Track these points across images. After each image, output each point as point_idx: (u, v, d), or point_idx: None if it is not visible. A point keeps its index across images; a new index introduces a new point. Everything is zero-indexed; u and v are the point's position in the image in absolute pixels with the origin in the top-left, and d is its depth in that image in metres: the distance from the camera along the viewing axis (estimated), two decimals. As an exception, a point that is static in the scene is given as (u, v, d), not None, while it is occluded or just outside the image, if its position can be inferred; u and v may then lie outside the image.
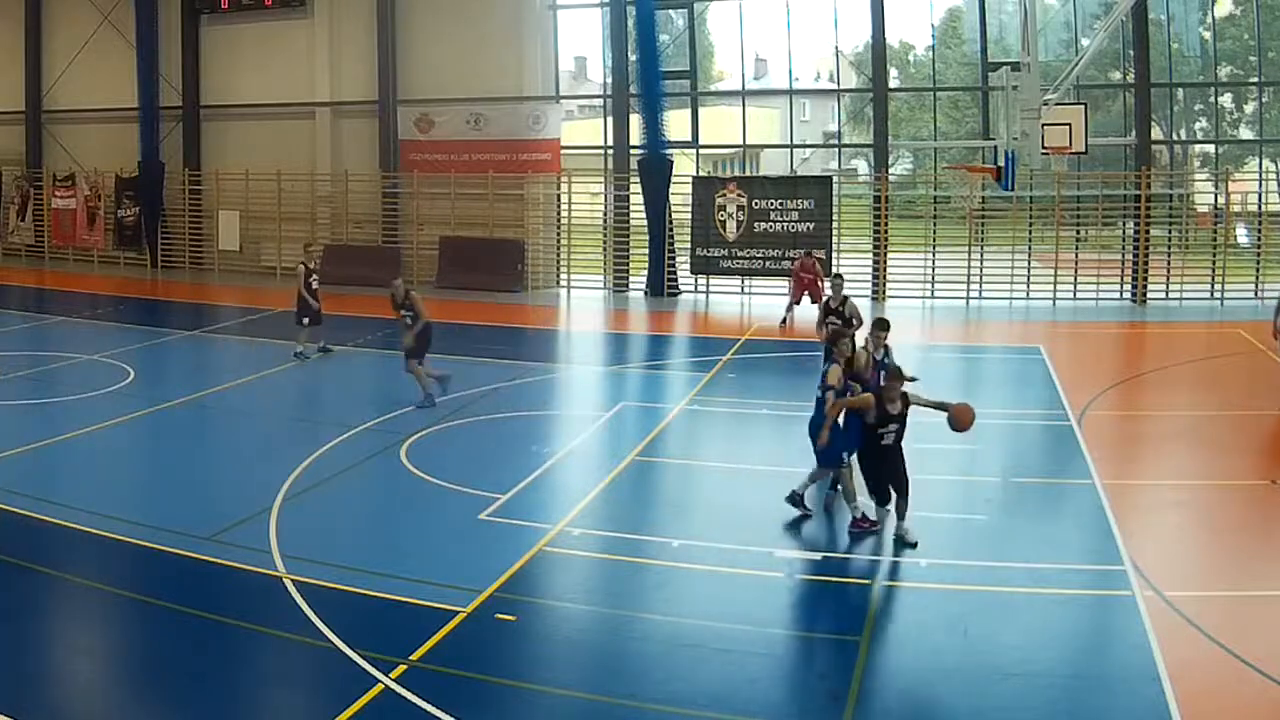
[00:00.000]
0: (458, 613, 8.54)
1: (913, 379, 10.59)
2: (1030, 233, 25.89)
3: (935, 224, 26.14)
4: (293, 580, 9.16)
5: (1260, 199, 25.46)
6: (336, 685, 7.47)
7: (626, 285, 27.02)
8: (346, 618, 8.49)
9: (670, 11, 27.66)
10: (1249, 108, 27.51)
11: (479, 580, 9.11)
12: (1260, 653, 7.70)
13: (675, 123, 26.52)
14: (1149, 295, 24.20)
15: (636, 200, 26.38)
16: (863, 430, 10.05)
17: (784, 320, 21.53)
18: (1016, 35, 24.11)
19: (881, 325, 11.55)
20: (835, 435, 10.22)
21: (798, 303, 21.44)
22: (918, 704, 7.34)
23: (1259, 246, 24.90)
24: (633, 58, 26.30)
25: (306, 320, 18.24)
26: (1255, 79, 26.39)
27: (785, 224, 25.19)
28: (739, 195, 25.55)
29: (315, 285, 18.32)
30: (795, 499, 10.68)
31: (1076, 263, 24.85)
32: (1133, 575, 9.14)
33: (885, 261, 25.39)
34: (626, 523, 10.77)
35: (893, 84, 28.94)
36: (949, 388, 16.45)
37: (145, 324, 22.36)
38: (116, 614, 8.83)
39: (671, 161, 25.92)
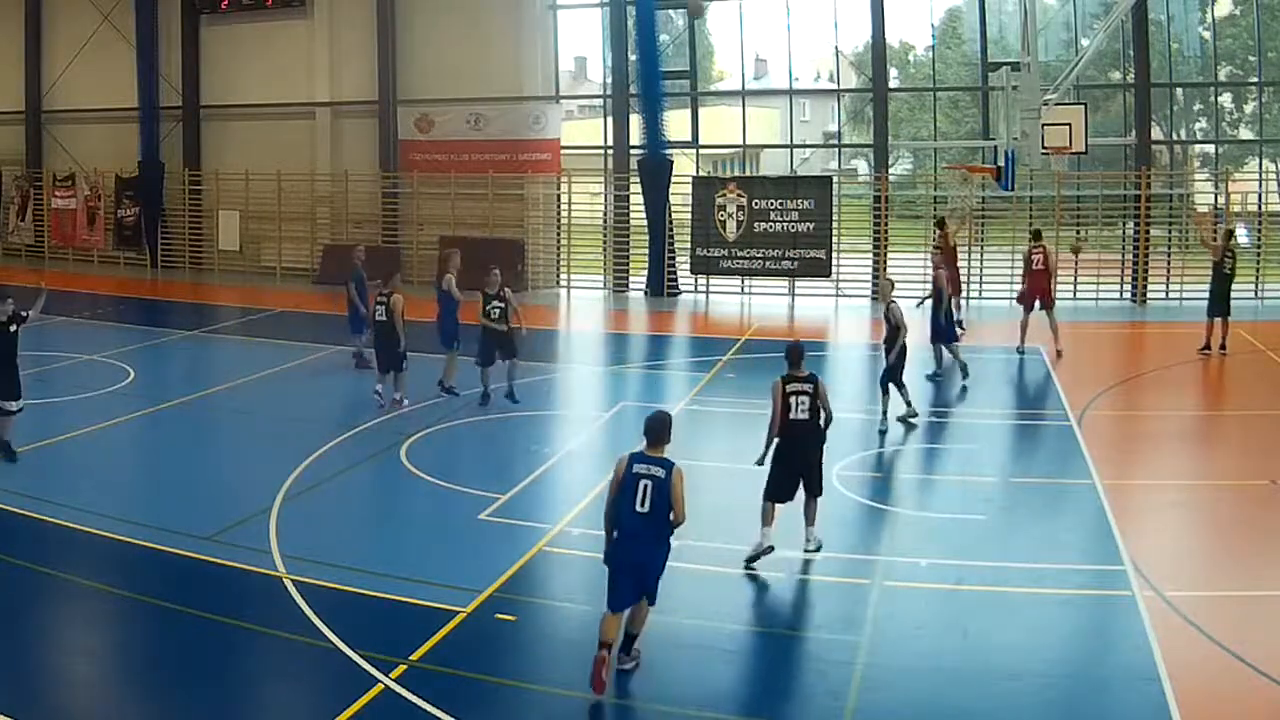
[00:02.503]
0: (458, 613, 8.54)
1: None
2: (1030, 233, 25.83)
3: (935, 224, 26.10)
4: (293, 580, 9.16)
5: (1260, 199, 25.45)
6: (336, 685, 7.48)
7: (626, 285, 27.00)
8: (346, 618, 8.49)
9: (670, 11, 27.63)
10: (1249, 108, 27.49)
11: (479, 580, 9.11)
12: (1260, 653, 7.70)
13: (675, 123, 26.47)
14: (1149, 295, 24.19)
15: (636, 200, 26.36)
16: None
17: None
18: (1016, 35, 24.10)
19: None
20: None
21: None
22: (918, 704, 7.34)
23: (1259, 246, 24.89)
24: (633, 58, 26.28)
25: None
26: (1255, 79, 26.37)
27: (785, 224, 25.16)
28: (739, 195, 25.53)
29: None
30: None
31: (1076, 263, 24.81)
32: (1133, 575, 9.14)
33: (885, 261, 25.36)
34: (626, 523, 10.74)
35: (893, 84, 28.90)
36: (949, 387, 16.48)
37: (145, 324, 22.33)
38: (117, 614, 8.83)
39: (671, 161, 25.90)
